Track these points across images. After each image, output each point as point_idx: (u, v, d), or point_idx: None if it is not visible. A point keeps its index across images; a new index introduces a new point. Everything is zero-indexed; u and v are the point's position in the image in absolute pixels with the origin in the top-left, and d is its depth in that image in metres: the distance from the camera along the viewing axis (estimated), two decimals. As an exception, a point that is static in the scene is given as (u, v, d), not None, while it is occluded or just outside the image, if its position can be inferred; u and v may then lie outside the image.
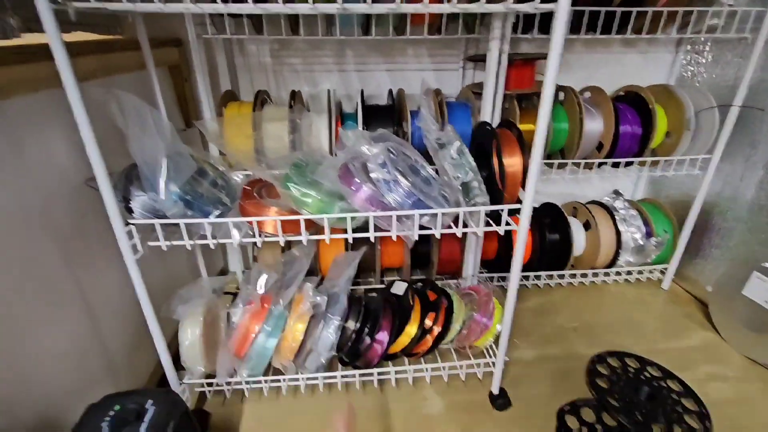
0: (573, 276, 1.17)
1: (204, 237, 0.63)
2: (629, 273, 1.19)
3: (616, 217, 1.11)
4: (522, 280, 1.17)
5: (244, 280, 0.82)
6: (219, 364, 0.71)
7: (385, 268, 1.09)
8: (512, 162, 0.61)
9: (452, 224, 0.65)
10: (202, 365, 0.74)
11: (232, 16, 0.84)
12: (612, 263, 1.14)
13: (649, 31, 0.87)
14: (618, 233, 1.10)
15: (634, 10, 0.84)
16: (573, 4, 0.83)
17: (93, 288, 0.65)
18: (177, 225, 0.59)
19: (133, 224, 0.58)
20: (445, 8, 0.51)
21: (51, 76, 0.56)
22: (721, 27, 0.91)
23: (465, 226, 0.64)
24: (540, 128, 0.54)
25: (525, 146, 0.62)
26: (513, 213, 0.64)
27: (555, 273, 1.15)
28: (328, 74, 1.06)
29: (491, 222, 0.65)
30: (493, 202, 0.62)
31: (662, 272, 1.18)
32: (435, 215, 0.62)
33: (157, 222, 0.58)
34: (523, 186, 0.61)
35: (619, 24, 0.86)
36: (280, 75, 1.06)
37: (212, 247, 0.62)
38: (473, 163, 0.60)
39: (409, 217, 0.62)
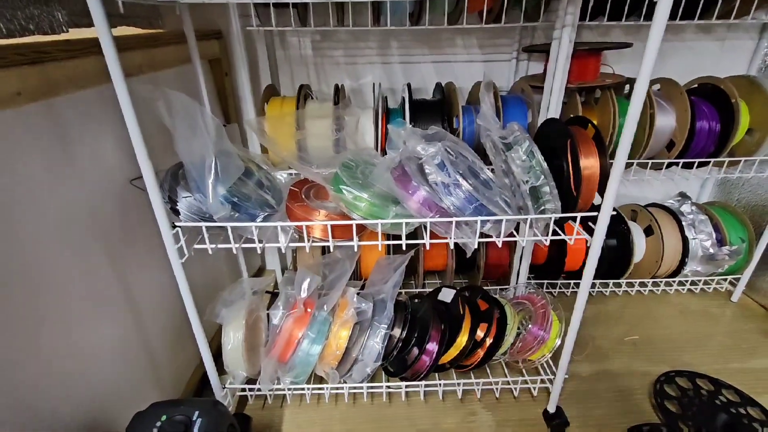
0: (630, 285, 1.08)
1: (250, 240, 0.60)
2: (693, 283, 1.08)
3: (683, 222, 1.01)
4: (573, 288, 1.09)
5: (284, 281, 0.79)
6: (263, 371, 0.69)
7: (426, 271, 1.04)
8: (589, 164, 0.54)
9: (514, 232, 0.59)
10: (244, 369, 0.72)
11: (276, 6, 0.80)
12: (676, 272, 1.04)
13: (739, 15, 0.77)
14: (685, 240, 1.00)
15: (722, -9, 0.74)
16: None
17: (137, 288, 0.63)
18: (223, 228, 0.57)
19: (179, 227, 0.55)
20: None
21: (99, 72, 0.54)
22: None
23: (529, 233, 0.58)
24: (629, 126, 0.47)
25: (604, 146, 0.55)
26: (583, 221, 0.58)
27: (611, 281, 1.07)
28: (371, 66, 1.01)
29: (559, 231, 0.59)
30: (564, 208, 0.56)
31: (732, 283, 1.07)
32: (498, 222, 0.56)
33: (204, 225, 0.55)
34: (600, 192, 0.54)
35: (702, 8, 0.76)
36: (321, 68, 1.02)
37: (259, 251, 0.59)
38: (545, 166, 0.53)
39: (468, 223, 0.57)
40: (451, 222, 0.55)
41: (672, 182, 1.16)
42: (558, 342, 0.76)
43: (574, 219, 0.56)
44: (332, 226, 0.57)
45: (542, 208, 0.55)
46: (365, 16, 0.77)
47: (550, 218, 0.55)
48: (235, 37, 0.80)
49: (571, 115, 0.75)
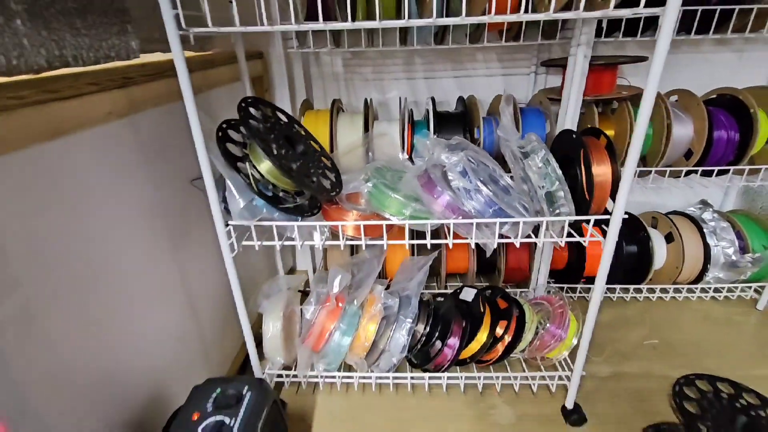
0: (651, 291, 1.10)
1: (290, 239, 0.67)
2: (717, 290, 1.09)
3: (704, 229, 1.03)
4: (590, 292, 1.11)
5: (315, 280, 0.87)
6: (299, 358, 0.75)
7: (448, 274, 1.09)
8: (601, 171, 0.59)
9: (531, 234, 0.64)
10: (282, 356, 0.79)
11: (315, 31, 0.89)
12: (698, 279, 1.05)
13: (753, 29, 0.80)
14: (706, 247, 1.01)
15: (736, 8, 0.78)
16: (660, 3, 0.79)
17: (192, 279, 0.72)
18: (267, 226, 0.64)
19: (231, 225, 0.63)
20: (539, 16, 0.50)
21: (168, 92, 0.64)
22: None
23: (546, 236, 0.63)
24: (637, 135, 0.52)
25: (615, 154, 0.59)
26: (597, 224, 0.62)
27: (631, 287, 1.09)
28: (397, 82, 1.09)
29: (574, 233, 0.64)
30: (578, 212, 0.61)
31: (758, 291, 1.07)
32: (515, 224, 0.61)
33: (252, 224, 0.63)
34: (613, 197, 0.59)
35: (716, 23, 0.80)
36: (351, 84, 1.10)
37: (299, 248, 0.66)
38: (559, 172, 0.59)
39: (489, 225, 0.62)
40: (471, 224, 0.61)
41: (693, 191, 1.18)
42: (575, 341, 0.79)
43: (587, 222, 0.61)
44: (365, 226, 0.64)
45: (557, 211, 0.60)
46: (393, 37, 0.84)
47: (565, 221, 0.60)
48: (277, 58, 0.89)
49: (588, 126, 0.79)
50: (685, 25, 0.83)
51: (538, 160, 0.59)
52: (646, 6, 0.48)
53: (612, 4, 0.48)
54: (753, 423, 0.74)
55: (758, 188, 1.12)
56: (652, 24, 0.85)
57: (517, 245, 0.62)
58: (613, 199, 0.58)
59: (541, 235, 0.62)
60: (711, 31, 0.80)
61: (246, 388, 0.57)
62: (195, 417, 0.53)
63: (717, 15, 0.79)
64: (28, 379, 0.41)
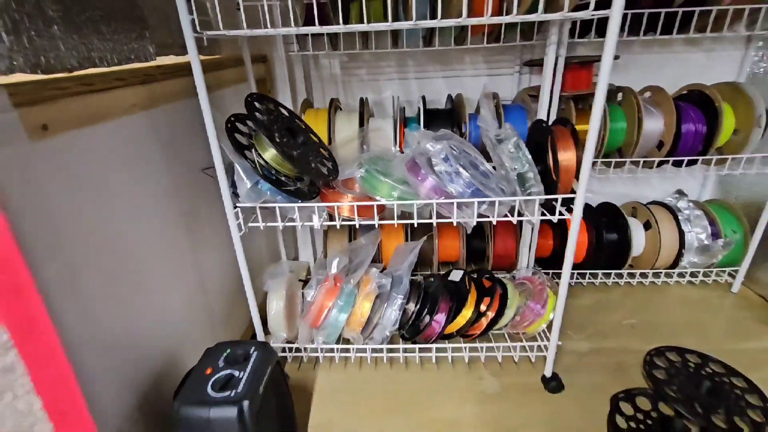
0: (632, 276, 1.17)
1: (292, 220, 0.75)
2: (694, 275, 1.16)
3: (679, 217, 1.10)
4: (578, 278, 1.19)
5: (316, 266, 0.94)
6: (300, 331, 0.83)
7: (441, 262, 1.16)
8: (566, 156, 0.66)
9: (508, 213, 0.72)
10: (285, 331, 0.87)
11: (313, 34, 0.97)
12: (675, 264, 1.12)
13: (714, 30, 0.88)
14: (681, 233, 1.08)
15: (697, 9, 0.86)
16: (633, 7, 0.87)
17: (203, 259, 0.79)
18: (271, 210, 0.72)
19: (239, 207, 0.71)
20: (505, 19, 0.58)
21: (183, 89, 0.72)
22: (793, 21, 0.89)
23: (521, 215, 0.70)
24: (593, 123, 0.59)
25: (579, 141, 0.67)
26: (567, 204, 0.69)
27: (613, 272, 1.15)
28: (390, 82, 1.17)
29: (545, 212, 0.71)
30: (547, 192, 0.68)
31: (732, 275, 1.14)
32: (492, 204, 0.69)
33: (257, 205, 0.70)
34: (577, 178, 0.66)
35: (681, 23, 0.87)
36: (348, 84, 1.18)
37: (299, 228, 0.74)
38: (529, 156, 0.66)
39: (469, 205, 0.70)
40: (453, 203, 0.68)
41: (672, 182, 1.25)
42: (552, 315, 0.86)
43: (556, 201, 0.68)
44: (358, 207, 0.71)
45: (529, 191, 0.67)
46: (385, 41, 0.92)
47: (536, 200, 0.68)
48: (279, 60, 0.97)
49: (560, 117, 0.87)
50: (653, 25, 0.91)
51: (510, 145, 0.67)
52: (600, 9, 0.55)
53: (566, 6, 0.56)
54: (716, 387, 0.80)
55: (730, 179, 1.19)
56: (624, 25, 0.93)
57: (494, 222, 0.69)
58: (578, 179, 0.65)
59: (516, 213, 0.69)
60: (675, 31, 0.88)
61: (252, 348, 0.64)
62: (208, 371, 0.60)
63: (680, 16, 0.87)
64: (73, 330, 0.48)
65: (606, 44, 0.55)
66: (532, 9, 0.61)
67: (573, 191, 0.67)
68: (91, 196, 0.52)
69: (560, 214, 0.69)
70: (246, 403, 0.55)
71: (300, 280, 1.02)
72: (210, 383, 0.58)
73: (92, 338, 0.52)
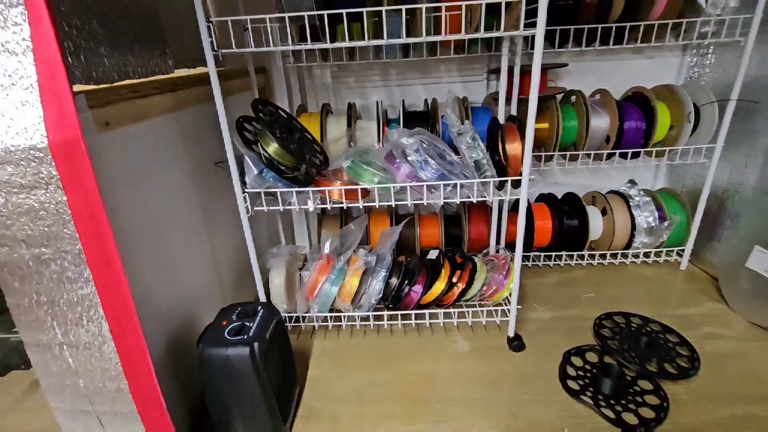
0: (592, 257, 1.32)
1: (290, 204, 0.89)
2: (647, 255, 1.31)
3: (630, 203, 1.25)
4: (544, 260, 1.33)
5: (311, 251, 1.08)
6: (298, 302, 0.97)
7: (423, 248, 1.31)
8: (514, 147, 0.81)
9: (471, 196, 0.87)
10: (285, 304, 1.01)
11: (307, 50, 1.13)
12: (629, 245, 1.27)
13: (645, 41, 1.04)
14: (632, 217, 1.24)
15: (628, 25, 1.02)
16: (573, 23, 1.03)
17: (215, 239, 0.93)
18: (274, 196, 0.87)
19: (247, 192, 0.85)
20: (456, 36, 0.74)
21: (200, 96, 0.87)
22: (711, 33, 1.06)
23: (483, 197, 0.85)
24: (529, 121, 0.74)
25: (524, 134, 0.82)
26: (515, 184, 0.84)
27: (575, 254, 1.30)
28: (376, 89, 1.33)
29: (500, 193, 0.86)
30: (499, 175, 0.83)
31: (679, 254, 1.29)
32: (456, 186, 0.83)
33: (262, 190, 0.85)
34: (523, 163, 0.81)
35: (619, 36, 1.04)
36: (338, 91, 1.33)
37: (297, 210, 0.88)
38: (483, 146, 0.81)
39: (437, 188, 0.85)
40: (423, 186, 0.83)
41: (628, 173, 1.40)
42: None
43: (506, 182, 0.83)
44: (345, 191, 0.86)
45: (484, 175, 0.82)
46: (369, 54, 1.08)
47: (490, 182, 0.82)
48: (278, 72, 1.12)
49: (510, 115, 1.02)
50: (593, 37, 1.07)
51: (468, 138, 0.82)
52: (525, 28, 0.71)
53: (502, 27, 0.71)
54: (652, 342, 0.95)
55: (679, 169, 1.35)
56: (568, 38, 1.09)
57: (458, 202, 0.84)
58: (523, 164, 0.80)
59: (475, 194, 0.84)
60: (611, 42, 1.04)
61: (259, 307, 0.78)
62: (224, 323, 0.74)
63: (614, 31, 1.03)
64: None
65: (535, 55, 0.71)
66: (488, 26, 0.76)
67: (520, 174, 0.82)
68: (137, 179, 0.67)
69: (511, 194, 0.84)
70: (256, 344, 0.69)
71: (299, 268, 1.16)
72: (226, 331, 0.72)
73: (135, 291, 0.66)
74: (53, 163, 0.46)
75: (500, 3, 0.69)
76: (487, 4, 0.70)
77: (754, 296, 1.02)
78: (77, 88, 0.56)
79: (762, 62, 1.05)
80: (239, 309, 0.78)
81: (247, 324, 0.73)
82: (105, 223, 0.47)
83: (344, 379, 0.92)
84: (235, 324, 0.73)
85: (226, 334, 0.71)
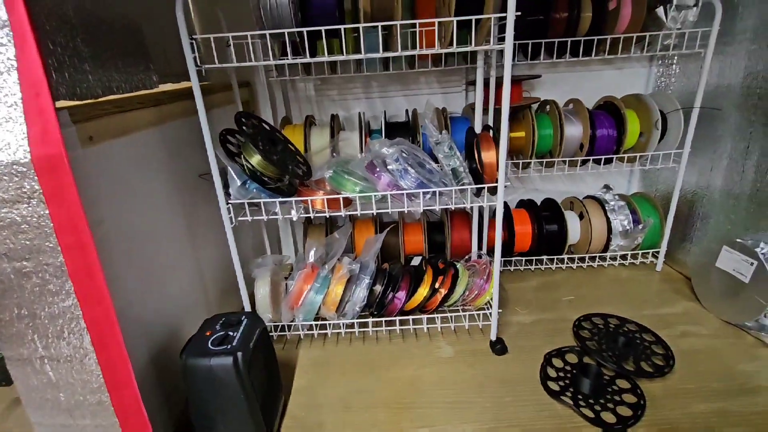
0: (572, 260, 1.35)
1: (274, 214, 0.91)
2: (624, 257, 1.35)
3: (606, 208, 1.30)
4: (525, 265, 1.37)
5: (296, 260, 1.09)
6: (283, 312, 0.98)
7: (407, 255, 1.33)
8: (489, 155, 0.84)
9: (450, 204, 0.89)
10: (270, 314, 1.01)
11: (290, 64, 1.15)
12: (606, 248, 1.31)
13: (611, 52, 1.10)
14: (608, 221, 1.28)
15: (595, 38, 1.07)
16: (544, 37, 1.08)
17: (201, 250, 0.94)
18: (258, 206, 0.88)
19: (231, 203, 0.87)
20: (430, 51, 0.77)
21: (183, 110, 0.88)
22: (674, 45, 1.12)
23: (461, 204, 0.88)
24: (503, 129, 0.78)
25: (498, 143, 0.85)
26: (491, 191, 0.87)
27: (555, 258, 1.34)
28: (358, 101, 1.36)
29: (477, 199, 0.89)
30: (476, 183, 0.86)
31: (654, 255, 1.34)
32: (434, 194, 0.86)
33: (246, 201, 0.87)
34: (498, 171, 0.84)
35: (588, 48, 1.09)
36: (322, 103, 1.36)
37: (280, 218, 0.90)
38: (459, 155, 0.84)
39: (417, 196, 0.87)
40: (403, 194, 0.86)
41: (603, 179, 1.46)
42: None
43: (482, 189, 0.86)
44: (328, 200, 0.88)
45: (462, 182, 0.85)
46: (350, 67, 1.11)
47: (467, 189, 0.85)
48: (261, 85, 1.15)
49: (486, 125, 1.06)
50: (565, 50, 1.12)
51: (445, 147, 0.85)
52: (519, 39, 0.74)
53: (473, 42, 0.75)
54: (629, 342, 0.98)
55: (652, 174, 1.40)
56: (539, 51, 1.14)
57: (438, 210, 0.86)
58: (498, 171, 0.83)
59: (452, 201, 0.87)
60: (581, 54, 1.09)
61: (243, 316, 0.79)
62: (208, 333, 0.75)
63: (583, 44, 1.08)
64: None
65: (505, 67, 0.75)
66: (463, 41, 0.80)
67: (497, 181, 0.85)
68: (121, 191, 0.68)
69: (489, 200, 0.87)
70: (240, 354, 0.70)
71: (284, 278, 1.17)
72: (210, 341, 0.73)
73: (118, 303, 0.66)
74: (36, 178, 0.47)
75: (471, 20, 0.73)
76: (459, 21, 0.73)
77: (724, 294, 1.06)
78: (61, 103, 0.57)
79: (721, 72, 1.12)
80: (223, 319, 0.79)
81: (231, 334, 0.74)
82: (87, 236, 0.48)
83: (330, 387, 0.93)
84: (219, 334, 0.74)
85: (209, 345, 0.72)
